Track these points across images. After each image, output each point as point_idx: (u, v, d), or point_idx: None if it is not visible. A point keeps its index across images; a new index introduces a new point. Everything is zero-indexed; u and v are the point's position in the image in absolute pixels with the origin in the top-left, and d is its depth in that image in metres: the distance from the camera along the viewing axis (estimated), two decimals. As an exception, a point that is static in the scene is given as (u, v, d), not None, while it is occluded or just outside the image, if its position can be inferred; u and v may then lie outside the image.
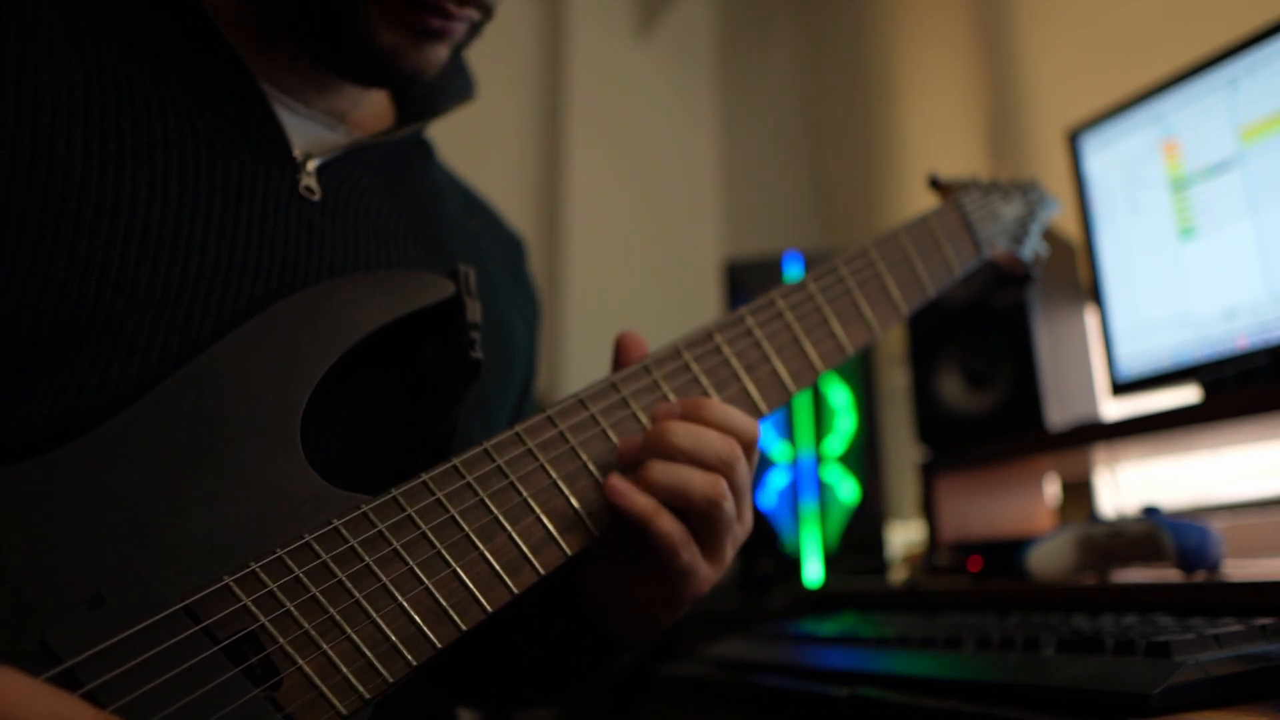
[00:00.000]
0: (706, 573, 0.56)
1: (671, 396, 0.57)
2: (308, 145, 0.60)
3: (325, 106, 0.63)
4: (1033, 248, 0.78)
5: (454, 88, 0.72)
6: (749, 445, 0.55)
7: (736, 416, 0.55)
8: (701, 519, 0.54)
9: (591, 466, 0.53)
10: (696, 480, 0.52)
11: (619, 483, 0.52)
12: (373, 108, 0.68)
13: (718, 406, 0.55)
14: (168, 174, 0.52)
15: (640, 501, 0.52)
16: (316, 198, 0.58)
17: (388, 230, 0.62)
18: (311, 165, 0.59)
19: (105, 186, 0.49)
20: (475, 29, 0.63)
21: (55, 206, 0.48)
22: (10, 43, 0.50)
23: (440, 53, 0.61)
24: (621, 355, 0.59)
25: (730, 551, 0.57)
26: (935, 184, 0.76)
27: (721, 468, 0.53)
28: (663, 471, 0.52)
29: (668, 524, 0.52)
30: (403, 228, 0.63)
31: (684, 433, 0.53)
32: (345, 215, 0.60)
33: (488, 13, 0.61)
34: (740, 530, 0.57)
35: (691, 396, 0.56)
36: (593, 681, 0.67)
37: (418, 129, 0.68)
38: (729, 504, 0.53)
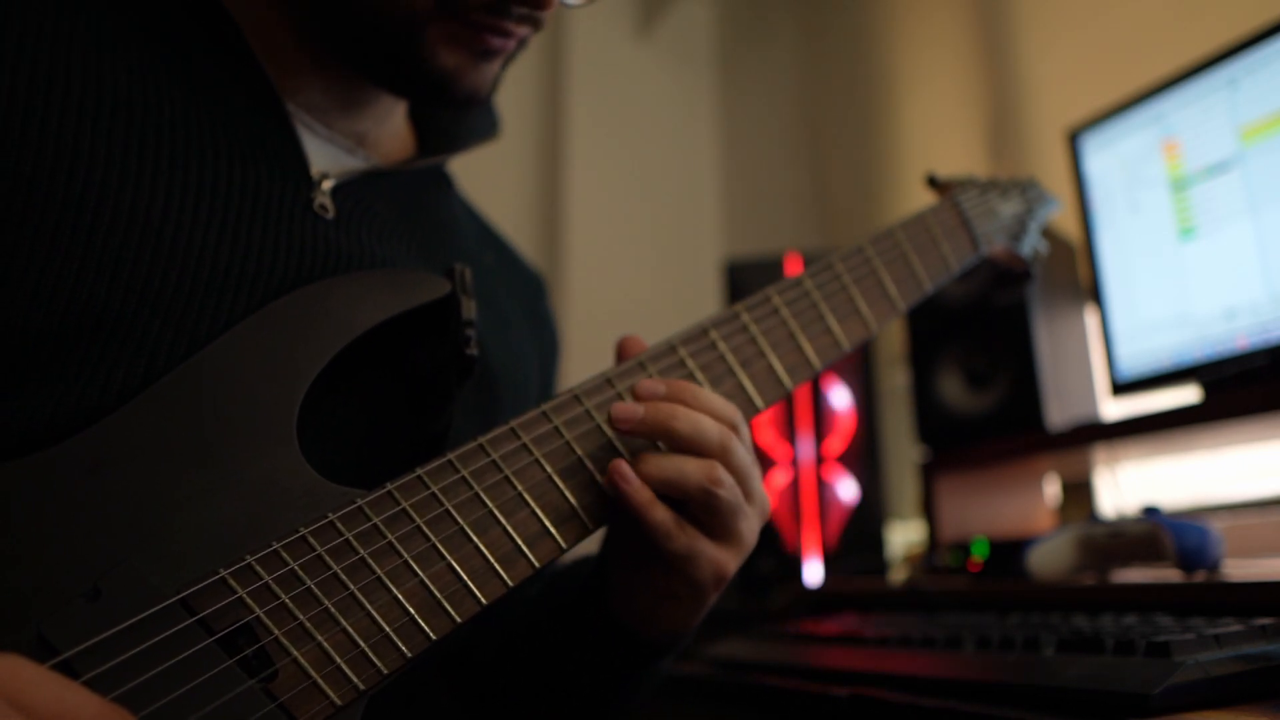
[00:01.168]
0: (715, 554, 0.55)
1: None
2: (326, 167, 0.61)
3: (347, 128, 0.64)
4: (1031, 245, 0.78)
5: (479, 124, 0.72)
6: (733, 428, 0.55)
7: (718, 400, 0.55)
8: (701, 506, 0.54)
9: (587, 461, 0.53)
10: (691, 470, 0.53)
11: (626, 469, 0.52)
12: (393, 133, 0.68)
13: (702, 392, 0.55)
14: (185, 181, 0.52)
15: (638, 492, 0.52)
16: (330, 215, 0.59)
17: (397, 252, 0.62)
18: (327, 185, 0.59)
19: (124, 189, 0.50)
20: (522, 43, 0.63)
21: (73, 206, 0.48)
22: (44, 46, 0.50)
23: (495, 69, 0.62)
24: (623, 360, 0.59)
25: (746, 531, 0.56)
26: (933, 182, 0.77)
27: (719, 452, 0.54)
28: (657, 465, 0.53)
29: (659, 514, 0.53)
30: (413, 252, 0.63)
31: (685, 417, 0.53)
32: (357, 233, 0.60)
33: (538, 27, 0.62)
34: (754, 509, 0.56)
35: (678, 380, 0.56)
36: (632, 693, 0.65)
37: (438, 162, 0.68)
38: (726, 489, 0.53)
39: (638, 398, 0.55)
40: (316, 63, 0.61)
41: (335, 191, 0.60)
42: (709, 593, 0.57)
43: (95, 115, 0.50)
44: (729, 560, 0.56)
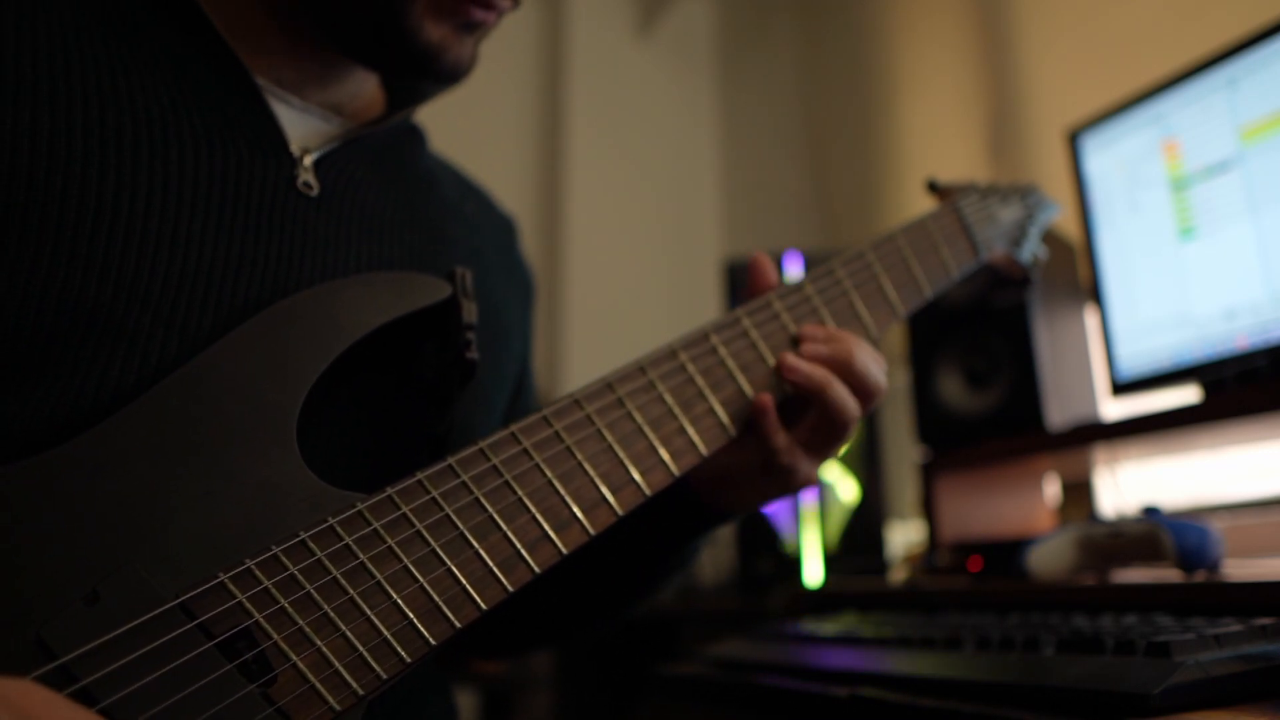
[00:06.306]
0: (811, 471, 0.63)
1: (667, 396, 0.57)
2: (304, 139, 0.61)
3: (322, 100, 0.64)
4: (1031, 251, 0.78)
5: None
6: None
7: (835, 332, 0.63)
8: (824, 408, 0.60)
9: (587, 465, 0.53)
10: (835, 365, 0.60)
11: (794, 359, 0.60)
12: (366, 98, 0.68)
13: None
14: (167, 172, 0.52)
15: (815, 371, 0.59)
16: (314, 193, 0.59)
17: (385, 221, 0.62)
18: (309, 160, 0.59)
19: (105, 184, 0.50)
20: (498, 18, 0.64)
21: (56, 205, 0.48)
22: (9, 41, 0.50)
23: (474, 44, 0.62)
24: (756, 279, 0.65)
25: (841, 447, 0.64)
26: (933, 188, 0.77)
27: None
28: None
29: (839, 391, 0.60)
30: (400, 218, 0.64)
31: (864, 357, 0.61)
32: (343, 210, 0.60)
33: (517, 2, 0.62)
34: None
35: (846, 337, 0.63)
36: (681, 561, 0.72)
37: (408, 114, 0.69)
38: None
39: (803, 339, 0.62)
40: (290, 39, 0.61)
41: (317, 165, 0.60)
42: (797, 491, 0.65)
43: (68, 110, 0.50)
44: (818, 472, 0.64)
